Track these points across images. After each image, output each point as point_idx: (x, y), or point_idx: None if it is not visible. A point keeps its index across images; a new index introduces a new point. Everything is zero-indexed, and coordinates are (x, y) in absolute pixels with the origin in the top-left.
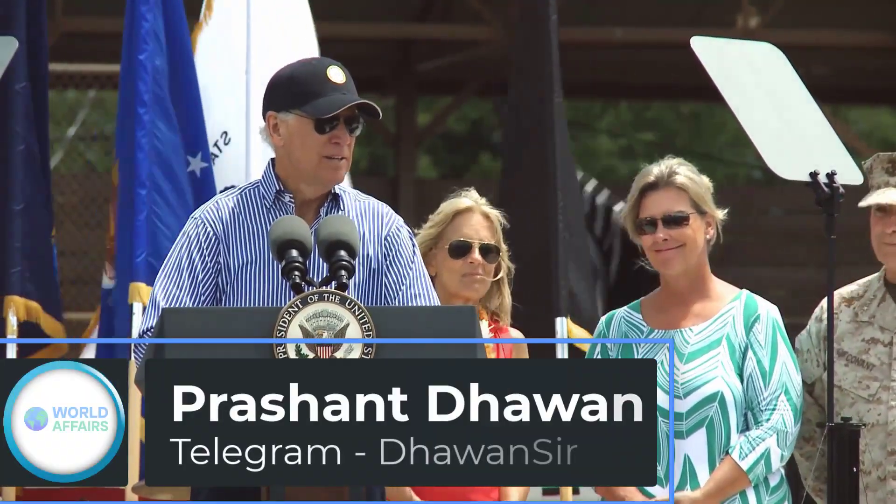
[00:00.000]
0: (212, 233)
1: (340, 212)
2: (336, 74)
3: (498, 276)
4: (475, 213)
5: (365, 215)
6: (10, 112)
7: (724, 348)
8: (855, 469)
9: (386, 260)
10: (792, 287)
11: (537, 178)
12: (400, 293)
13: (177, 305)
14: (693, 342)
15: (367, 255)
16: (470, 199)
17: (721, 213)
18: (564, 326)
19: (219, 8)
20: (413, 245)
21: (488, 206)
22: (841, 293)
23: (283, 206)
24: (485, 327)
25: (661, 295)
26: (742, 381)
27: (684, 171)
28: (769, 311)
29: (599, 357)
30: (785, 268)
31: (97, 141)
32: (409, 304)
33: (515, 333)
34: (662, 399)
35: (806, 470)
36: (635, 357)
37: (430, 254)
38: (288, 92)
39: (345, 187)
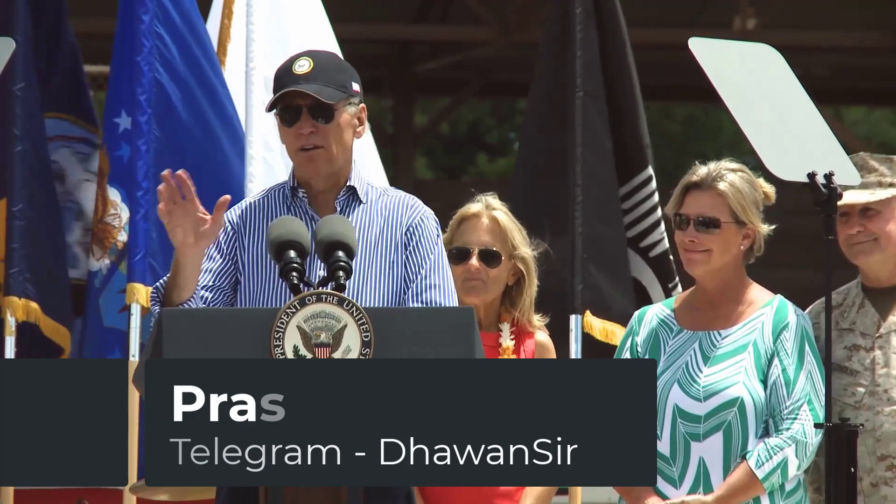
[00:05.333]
0: (230, 228)
1: (361, 205)
2: (300, 65)
3: (518, 279)
4: (481, 218)
5: (387, 209)
6: (8, 114)
7: (750, 354)
8: (853, 469)
9: (406, 249)
10: (788, 288)
11: (555, 174)
12: (414, 283)
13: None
14: (720, 345)
15: (394, 244)
16: (481, 203)
17: (766, 228)
18: (579, 323)
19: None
20: (437, 236)
21: (502, 212)
22: (823, 302)
23: (298, 201)
24: (506, 331)
25: (693, 294)
26: (766, 388)
27: (731, 178)
28: (799, 320)
29: (629, 352)
30: (781, 269)
31: None
32: (423, 295)
33: (542, 338)
34: (683, 401)
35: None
36: (662, 355)
37: None
38: (272, 90)
39: (373, 182)
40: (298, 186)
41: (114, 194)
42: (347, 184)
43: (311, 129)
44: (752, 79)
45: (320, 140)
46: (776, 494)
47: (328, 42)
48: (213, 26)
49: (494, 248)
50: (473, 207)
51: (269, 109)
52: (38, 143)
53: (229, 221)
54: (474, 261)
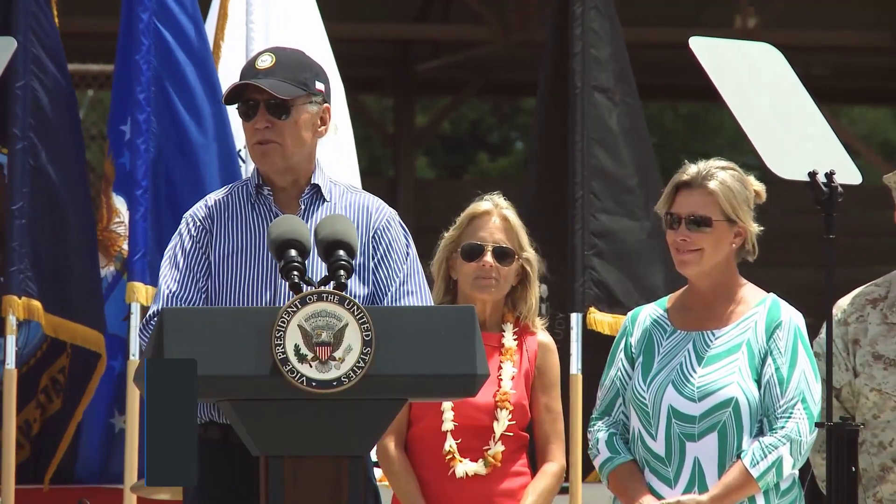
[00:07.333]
0: (202, 226)
1: (325, 203)
2: (262, 60)
3: (521, 280)
4: (492, 217)
5: (351, 209)
6: (8, 112)
7: (744, 353)
8: (854, 469)
9: (375, 256)
10: (788, 288)
11: (556, 172)
12: (391, 291)
13: (177, 300)
14: (714, 345)
15: (360, 245)
16: (490, 202)
17: (757, 228)
18: (579, 322)
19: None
20: (407, 238)
21: (510, 210)
22: (864, 294)
23: (264, 199)
24: (509, 331)
25: (686, 294)
26: (759, 388)
27: (722, 177)
28: (792, 318)
29: (623, 353)
30: (782, 268)
31: (95, 141)
32: (401, 301)
33: (544, 338)
34: (678, 401)
35: (823, 473)
36: (656, 356)
37: (452, 257)
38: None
39: (336, 179)
40: (264, 184)
41: (119, 202)
42: (311, 182)
43: (267, 124)
44: (752, 78)
45: (274, 135)
46: (771, 493)
47: (321, 43)
48: (209, 26)
49: (507, 246)
50: (483, 205)
51: (227, 103)
52: (51, 143)
53: (198, 221)
54: (488, 257)
